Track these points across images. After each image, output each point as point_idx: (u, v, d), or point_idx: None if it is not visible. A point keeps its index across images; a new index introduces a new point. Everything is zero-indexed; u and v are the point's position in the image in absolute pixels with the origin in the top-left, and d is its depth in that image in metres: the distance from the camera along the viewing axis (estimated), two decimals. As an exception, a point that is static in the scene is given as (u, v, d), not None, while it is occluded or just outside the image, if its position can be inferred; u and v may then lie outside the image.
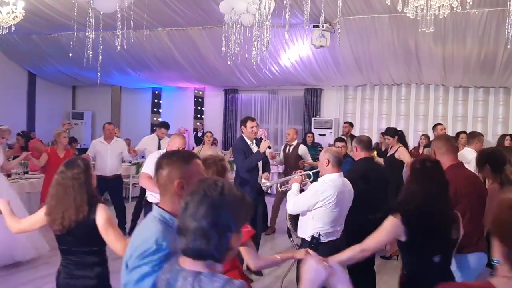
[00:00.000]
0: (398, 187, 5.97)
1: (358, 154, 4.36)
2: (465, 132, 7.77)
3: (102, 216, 2.60)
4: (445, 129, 7.98)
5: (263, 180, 4.82)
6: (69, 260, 2.67)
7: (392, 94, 11.10)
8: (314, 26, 8.07)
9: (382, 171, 4.45)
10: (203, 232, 1.40)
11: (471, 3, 4.94)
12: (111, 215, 2.70)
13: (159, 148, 7.12)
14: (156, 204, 1.84)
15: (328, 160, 3.57)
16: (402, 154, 6.18)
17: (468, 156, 5.31)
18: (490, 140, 10.08)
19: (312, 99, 11.71)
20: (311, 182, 3.97)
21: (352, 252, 2.63)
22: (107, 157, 6.86)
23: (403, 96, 11.04)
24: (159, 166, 1.83)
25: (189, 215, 1.43)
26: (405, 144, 6.57)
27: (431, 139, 8.26)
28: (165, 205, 1.80)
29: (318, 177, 3.77)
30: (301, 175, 4.00)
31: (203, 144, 7.88)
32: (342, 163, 3.89)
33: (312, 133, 9.13)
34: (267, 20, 5.59)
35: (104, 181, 6.38)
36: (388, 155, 6.53)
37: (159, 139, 7.37)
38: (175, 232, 1.51)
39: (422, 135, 8.76)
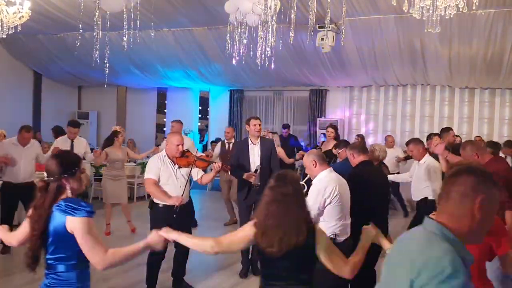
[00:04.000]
0: None
1: (356, 159, 4.35)
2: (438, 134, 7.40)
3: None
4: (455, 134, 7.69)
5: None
6: (275, 286, 2.46)
7: (398, 95, 11.06)
8: (319, 27, 8.06)
9: (382, 172, 4.43)
10: None
11: (477, 3, 4.91)
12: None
13: (71, 150, 6.21)
14: (429, 217, 1.59)
15: (315, 161, 3.63)
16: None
17: None
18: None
19: (317, 99, 11.68)
20: (306, 184, 3.95)
21: None
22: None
23: (409, 97, 11.00)
24: (457, 174, 1.55)
25: None
26: None
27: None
28: (447, 220, 1.52)
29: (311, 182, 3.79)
30: None
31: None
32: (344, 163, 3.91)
33: (273, 132, 9.94)
34: (272, 20, 5.59)
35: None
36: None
37: (72, 140, 6.74)
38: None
39: (357, 135, 9.61)
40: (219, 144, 8.32)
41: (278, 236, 2.35)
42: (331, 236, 3.40)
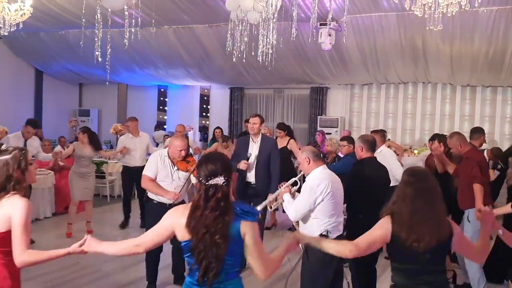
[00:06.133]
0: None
1: (363, 153, 4.34)
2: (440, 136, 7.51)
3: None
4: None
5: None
6: (421, 281, 2.49)
7: (399, 93, 11.05)
8: (321, 24, 8.05)
9: (385, 171, 4.42)
10: None
11: (479, 1, 4.90)
12: None
13: None
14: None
15: (309, 158, 3.64)
16: (293, 146, 7.21)
17: None
18: (497, 140, 10.02)
19: (318, 97, 11.67)
20: (298, 190, 3.94)
21: None
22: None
23: (410, 95, 10.98)
24: None
25: None
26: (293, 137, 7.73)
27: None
28: None
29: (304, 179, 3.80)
30: (287, 186, 3.96)
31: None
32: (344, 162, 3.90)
33: (220, 128, 10.22)
34: (273, 18, 5.58)
35: None
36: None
37: (25, 140, 6.49)
38: None
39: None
40: (168, 139, 8.17)
41: (426, 231, 2.41)
42: (323, 233, 3.39)
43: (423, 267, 2.46)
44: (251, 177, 5.26)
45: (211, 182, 2.16)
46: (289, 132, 7.57)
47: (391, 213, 2.52)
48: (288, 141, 7.22)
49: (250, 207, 2.24)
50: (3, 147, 2.60)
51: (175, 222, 2.23)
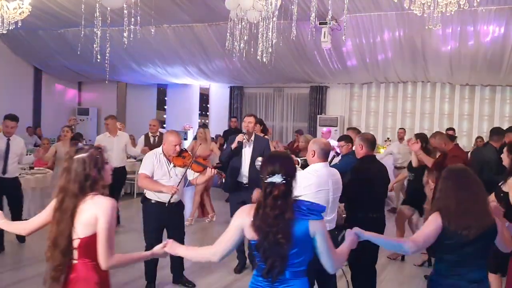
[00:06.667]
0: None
1: (363, 152, 4.34)
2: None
3: None
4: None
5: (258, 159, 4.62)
6: (459, 272, 2.56)
7: (398, 92, 11.07)
8: (320, 23, 8.06)
9: (385, 170, 4.42)
10: None
11: (478, 0, 4.90)
12: None
13: (7, 150, 5.73)
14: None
15: (314, 152, 3.66)
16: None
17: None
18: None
19: (317, 96, 11.68)
20: (301, 167, 3.97)
21: None
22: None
23: (409, 94, 11.00)
24: None
25: None
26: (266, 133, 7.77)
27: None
28: None
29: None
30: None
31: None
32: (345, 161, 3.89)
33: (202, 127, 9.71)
34: (273, 17, 5.58)
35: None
36: None
37: (8, 138, 5.81)
38: None
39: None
40: (142, 137, 7.88)
41: (474, 218, 2.50)
42: None
43: (463, 260, 2.57)
44: (243, 177, 5.22)
45: (269, 180, 2.22)
46: (264, 129, 7.49)
47: (438, 209, 2.62)
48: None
49: (316, 204, 2.26)
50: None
51: (243, 222, 2.24)
